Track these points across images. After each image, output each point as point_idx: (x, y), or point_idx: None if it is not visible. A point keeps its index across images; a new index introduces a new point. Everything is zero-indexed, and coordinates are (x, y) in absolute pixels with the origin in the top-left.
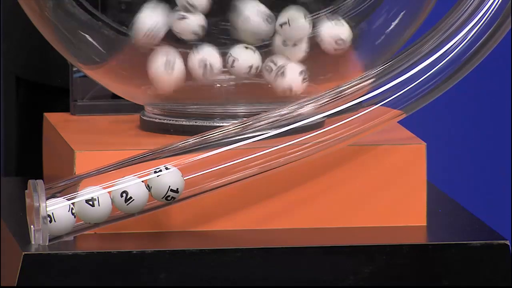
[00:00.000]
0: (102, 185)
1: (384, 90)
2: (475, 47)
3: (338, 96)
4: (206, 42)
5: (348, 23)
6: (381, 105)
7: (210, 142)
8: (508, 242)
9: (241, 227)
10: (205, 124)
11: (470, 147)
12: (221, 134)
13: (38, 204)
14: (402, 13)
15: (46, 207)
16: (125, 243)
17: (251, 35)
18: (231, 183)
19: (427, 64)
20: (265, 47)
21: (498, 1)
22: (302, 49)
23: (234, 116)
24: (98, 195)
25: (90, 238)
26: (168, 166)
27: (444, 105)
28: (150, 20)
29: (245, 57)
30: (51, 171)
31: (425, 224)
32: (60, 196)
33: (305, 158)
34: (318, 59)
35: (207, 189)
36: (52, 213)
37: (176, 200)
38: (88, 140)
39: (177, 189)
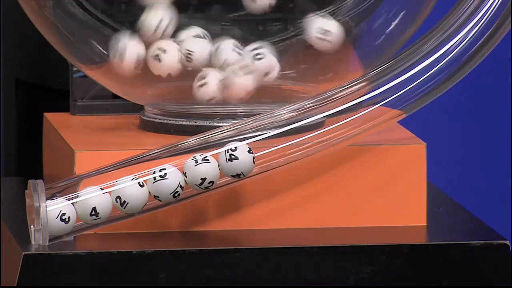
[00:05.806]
0: (102, 185)
1: (384, 90)
2: (475, 47)
3: (338, 96)
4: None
5: (344, 22)
6: (381, 105)
7: (210, 142)
8: (508, 242)
9: (241, 227)
10: (205, 124)
11: (470, 147)
12: (221, 134)
13: (38, 204)
14: (402, 13)
15: (46, 207)
16: (125, 243)
17: None
18: (231, 182)
19: (427, 64)
20: None
21: (498, 1)
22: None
23: (234, 116)
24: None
25: (90, 238)
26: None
27: (444, 105)
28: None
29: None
30: (51, 171)
31: (425, 224)
32: (60, 196)
33: (305, 158)
34: (318, 59)
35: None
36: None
37: (176, 201)
38: (88, 140)
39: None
